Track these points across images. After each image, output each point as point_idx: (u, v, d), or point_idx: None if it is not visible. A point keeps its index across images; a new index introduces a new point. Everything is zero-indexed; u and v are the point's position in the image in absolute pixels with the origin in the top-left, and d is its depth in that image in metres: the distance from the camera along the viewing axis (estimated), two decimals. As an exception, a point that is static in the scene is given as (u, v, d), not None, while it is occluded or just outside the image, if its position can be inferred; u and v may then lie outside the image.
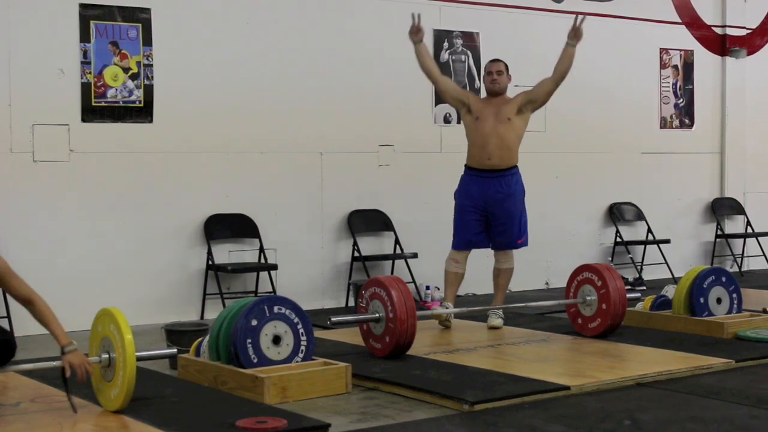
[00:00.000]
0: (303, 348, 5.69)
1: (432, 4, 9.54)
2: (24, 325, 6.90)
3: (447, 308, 7.39)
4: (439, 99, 9.04)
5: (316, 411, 5.13)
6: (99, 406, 5.05)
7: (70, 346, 4.88)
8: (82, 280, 7.93)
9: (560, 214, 10.39)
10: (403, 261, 9.32)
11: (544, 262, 10.17)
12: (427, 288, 9.22)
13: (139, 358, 4.91)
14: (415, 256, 9.26)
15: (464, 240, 7.56)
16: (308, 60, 8.97)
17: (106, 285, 7.95)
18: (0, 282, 4.82)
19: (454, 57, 9.74)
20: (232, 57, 8.64)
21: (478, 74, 9.68)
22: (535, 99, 7.50)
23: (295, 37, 8.91)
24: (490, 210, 7.48)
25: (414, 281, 9.23)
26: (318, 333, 6.69)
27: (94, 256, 8.05)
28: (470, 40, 9.83)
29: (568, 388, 5.50)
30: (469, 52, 9.82)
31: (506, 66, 7.55)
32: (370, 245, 9.32)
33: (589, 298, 7.13)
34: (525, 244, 7.67)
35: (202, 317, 8.42)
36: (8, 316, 7.37)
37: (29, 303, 4.86)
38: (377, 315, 6.31)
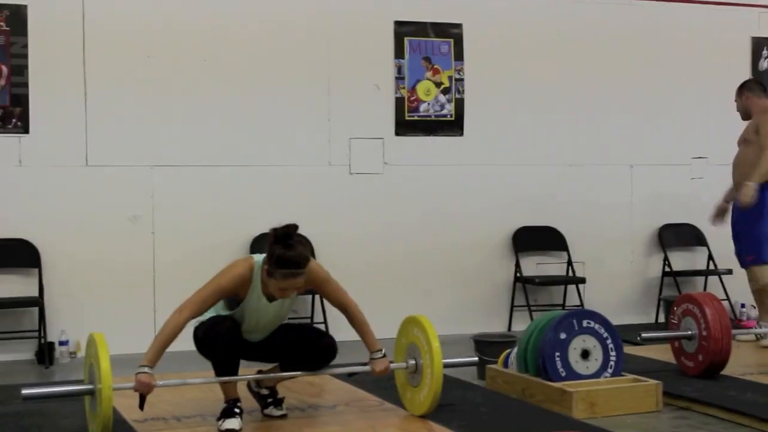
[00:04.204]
0: (612, 363, 5.61)
1: (749, 11, 9.17)
2: (338, 329, 7.18)
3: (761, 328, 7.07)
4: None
5: (625, 428, 5.03)
6: (406, 411, 5.18)
7: (378, 353, 5.01)
8: (389, 287, 8.16)
9: None
10: (716, 277, 8.99)
11: None
12: (743, 306, 8.85)
13: (445, 365, 4.97)
14: (729, 272, 8.89)
15: None
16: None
17: (415, 293, 8.15)
18: (317, 287, 4.96)
19: (772, 65, 9.32)
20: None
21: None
22: None
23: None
24: None
25: (728, 298, 8.87)
26: (627, 349, 6.55)
27: (408, 264, 8.29)
28: (792, 46, 9.37)
29: None
30: (789, 60, 9.36)
31: None
32: (681, 260, 9.06)
33: None
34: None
35: (509, 328, 8.46)
36: (325, 322, 7.70)
37: (344, 309, 5.00)
38: (690, 332, 6.11)
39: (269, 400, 5.12)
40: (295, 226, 4.60)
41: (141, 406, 4.60)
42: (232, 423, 4.78)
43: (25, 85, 7.36)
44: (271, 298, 4.79)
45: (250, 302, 4.79)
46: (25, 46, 7.35)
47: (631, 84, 8.94)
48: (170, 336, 4.56)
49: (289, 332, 5.03)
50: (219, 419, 4.83)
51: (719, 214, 7.49)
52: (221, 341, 4.76)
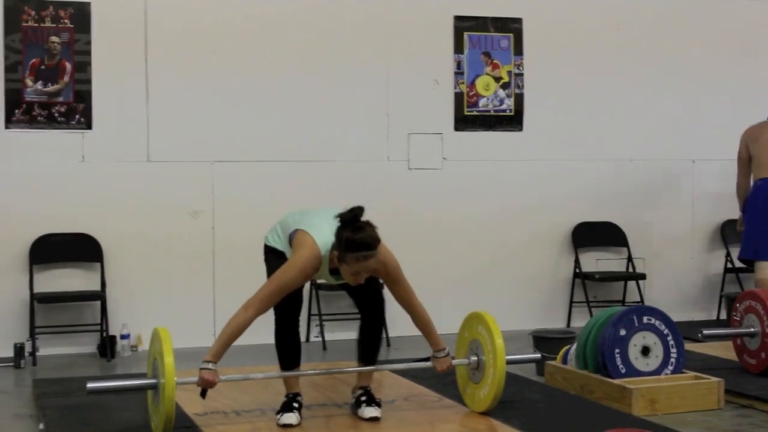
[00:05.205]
0: (673, 360, 5.56)
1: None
2: (397, 326, 7.18)
3: None
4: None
5: (686, 426, 4.98)
6: (466, 407, 5.17)
7: (441, 352, 4.98)
8: (447, 282, 8.15)
9: None
10: (780, 274, 8.86)
11: None
12: (807, 303, 8.70)
13: (507, 362, 4.93)
14: (793, 269, 8.78)
15: None
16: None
17: (473, 289, 8.14)
18: (386, 283, 4.86)
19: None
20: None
21: None
22: None
23: None
24: None
25: (792, 295, 8.75)
26: (688, 346, 6.49)
27: (467, 260, 8.29)
28: None
29: None
30: None
31: None
32: (744, 257, 8.94)
33: None
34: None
35: (568, 325, 8.42)
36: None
37: (411, 310, 4.90)
38: (752, 329, 6.04)
39: (363, 398, 5.00)
40: (360, 208, 4.53)
41: (203, 395, 4.64)
42: (290, 418, 4.80)
43: (88, 81, 7.45)
44: (338, 278, 4.76)
45: (316, 278, 4.81)
46: (89, 43, 7.45)
47: (693, 78, 8.84)
48: (235, 333, 4.53)
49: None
50: (278, 413, 4.86)
51: None
52: (281, 335, 4.82)
